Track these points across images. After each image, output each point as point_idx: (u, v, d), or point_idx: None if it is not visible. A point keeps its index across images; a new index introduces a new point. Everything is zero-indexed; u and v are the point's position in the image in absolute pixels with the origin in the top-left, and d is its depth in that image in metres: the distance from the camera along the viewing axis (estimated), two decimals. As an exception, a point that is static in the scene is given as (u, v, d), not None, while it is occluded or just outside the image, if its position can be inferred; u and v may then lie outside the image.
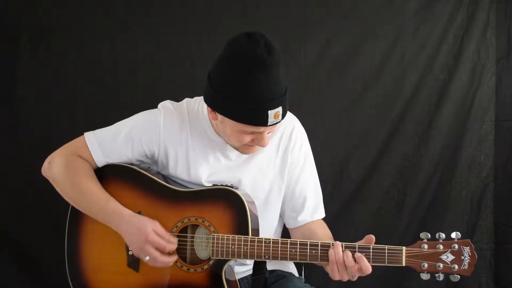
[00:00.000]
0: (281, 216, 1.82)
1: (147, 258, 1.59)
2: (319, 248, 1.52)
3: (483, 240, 2.56)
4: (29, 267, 2.51)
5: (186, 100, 1.78)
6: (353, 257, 1.47)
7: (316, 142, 2.39)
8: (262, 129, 1.55)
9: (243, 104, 1.49)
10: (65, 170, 1.67)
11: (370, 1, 2.49)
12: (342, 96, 2.51)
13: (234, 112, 1.52)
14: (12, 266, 2.50)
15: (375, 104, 2.51)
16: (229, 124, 1.56)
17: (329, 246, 1.50)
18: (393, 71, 2.50)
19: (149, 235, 1.57)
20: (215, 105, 1.57)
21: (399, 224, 2.53)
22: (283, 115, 1.55)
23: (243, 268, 1.78)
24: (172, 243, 1.60)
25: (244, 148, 1.65)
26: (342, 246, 1.49)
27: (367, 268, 1.47)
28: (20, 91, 2.46)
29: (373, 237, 1.50)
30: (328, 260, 1.50)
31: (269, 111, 1.50)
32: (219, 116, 1.58)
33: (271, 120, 1.51)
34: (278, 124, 1.59)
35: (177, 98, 1.81)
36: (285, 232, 1.85)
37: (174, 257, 1.62)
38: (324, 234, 1.72)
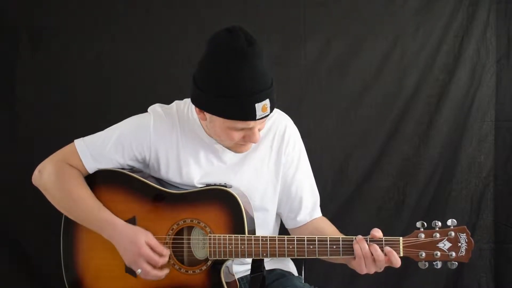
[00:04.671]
0: (280, 217, 1.82)
1: (139, 271, 1.58)
2: (340, 242, 1.53)
3: (483, 240, 2.56)
4: (29, 267, 2.51)
5: (176, 102, 1.77)
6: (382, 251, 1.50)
7: (316, 142, 2.41)
8: (251, 124, 1.53)
9: (228, 99, 1.48)
10: (56, 178, 1.67)
11: (370, 1, 2.48)
12: (342, 96, 2.51)
13: (221, 108, 1.51)
14: (12, 266, 2.49)
15: (375, 104, 2.51)
16: (218, 123, 1.55)
17: (351, 241, 1.52)
18: (393, 71, 2.50)
19: (142, 248, 1.57)
20: (201, 104, 1.56)
21: (399, 224, 2.53)
22: (272, 108, 1.53)
23: (242, 268, 1.78)
24: (164, 256, 1.60)
25: (237, 147, 1.64)
26: (366, 240, 1.50)
27: (397, 261, 1.49)
28: (20, 91, 2.46)
29: (379, 230, 1.52)
30: (350, 254, 1.52)
31: (256, 105, 1.47)
32: (207, 115, 1.57)
33: (259, 113, 1.49)
34: (267, 118, 1.57)
35: (177, 98, 1.81)
36: (283, 232, 1.85)
37: (166, 271, 1.61)
38: (334, 230, 1.72)
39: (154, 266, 1.58)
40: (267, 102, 1.49)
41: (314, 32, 2.48)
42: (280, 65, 2.43)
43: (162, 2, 2.46)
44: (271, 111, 1.53)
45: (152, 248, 1.58)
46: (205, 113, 1.57)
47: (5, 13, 2.44)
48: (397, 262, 1.49)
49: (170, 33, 2.46)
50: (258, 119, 1.51)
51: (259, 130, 1.59)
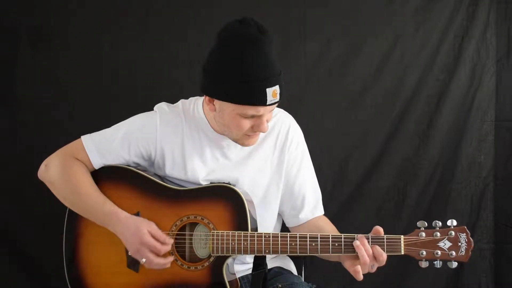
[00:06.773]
0: (281, 215, 1.83)
1: (143, 260, 1.59)
2: (342, 240, 1.55)
3: (483, 240, 2.56)
4: (29, 267, 2.51)
5: (182, 101, 1.79)
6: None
7: (316, 142, 2.41)
8: (261, 111, 1.54)
9: (240, 84, 1.50)
10: (62, 172, 1.68)
11: (370, 1, 2.48)
12: (342, 96, 2.51)
13: (233, 94, 1.52)
14: (12, 266, 2.49)
15: (375, 104, 2.51)
16: (228, 110, 1.56)
17: (353, 239, 1.54)
18: (393, 71, 2.50)
19: (143, 237, 1.58)
20: (213, 91, 1.57)
21: (399, 224, 2.53)
22: (281, 95, 1.55)
23: (243, 267, 1.79)
24: (167, 244, 1.60)
25: (244, 139, 1.65)
26: (368, 238, 1.52)
27: (380, 254, 1.50)
28: (20, 91, 2.46)
29: (381, 228, 1.53)
30: (351, 252, 1.54)
31: (267, 89, 1.50)
32: (217, 104, 1.58)
33: (269, 99, 1.51)
34: (275, 119, 1.60)
35: (177, 98, 1.82)
36: (284, 230, 1.85)
37: (170, 259, 1.62)
38: (333, 230, 1.74)
39: (157, 255, 1.59)
40: (277, 88, 1.52)
41: (314, 32, 2.48)
42: (280, 65, 2.43)
43: (162, 2, 2.46)
44: (280, 98, 1.55)
45: (154, 237, 1.59)
46: (214, 102, 1.59)
47: (5, 13, 2.44)
48: (379, 255, 1.49)
49: (170, 33, 2.46)
50: (269, 105, 1.53)
51: (267, 121, 1.60)
